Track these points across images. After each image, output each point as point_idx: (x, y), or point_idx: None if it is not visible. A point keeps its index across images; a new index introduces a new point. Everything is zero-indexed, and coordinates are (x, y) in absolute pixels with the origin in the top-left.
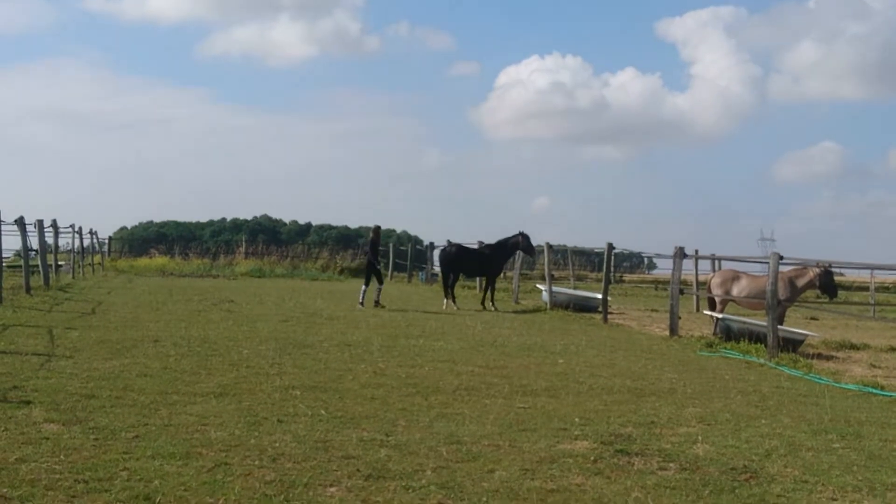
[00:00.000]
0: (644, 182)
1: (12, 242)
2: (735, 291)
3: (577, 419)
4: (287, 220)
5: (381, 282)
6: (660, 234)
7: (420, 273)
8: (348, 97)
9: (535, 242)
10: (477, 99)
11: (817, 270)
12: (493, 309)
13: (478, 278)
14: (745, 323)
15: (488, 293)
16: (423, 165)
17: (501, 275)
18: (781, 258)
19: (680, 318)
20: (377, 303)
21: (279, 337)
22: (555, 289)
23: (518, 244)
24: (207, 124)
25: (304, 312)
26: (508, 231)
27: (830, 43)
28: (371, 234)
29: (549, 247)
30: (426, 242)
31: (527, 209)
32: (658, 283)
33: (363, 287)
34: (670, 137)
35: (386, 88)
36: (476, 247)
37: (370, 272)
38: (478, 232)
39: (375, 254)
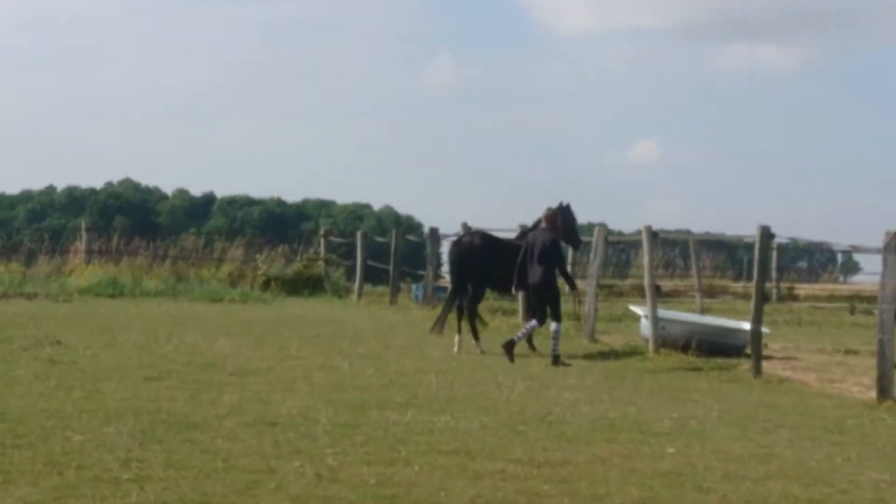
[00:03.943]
0: (833, 110)
1: None
2: None
3: None
4: (168, 189)
5: (555, 317)
6: (861, 209)
7: (414, 286)
8: None
9: (633, 225)
10: None
11: None
12: (529, 348)
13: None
14: None
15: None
16: (425, 86)
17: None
18: None
19: None
20: (512, 348)
21: (142, 410)
22: (663, 313)
23: (563, 225)
24: (14, 13)
25: (193, 363)
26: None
27: None
28: (545, 217)
29: (653, 235)
30: (426, 229)
31: (619, 161)
32: (860, 300)
33: (532, 323)
34: (886, 28)
35: None
36: (515, 236)
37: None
38: (522, 210)
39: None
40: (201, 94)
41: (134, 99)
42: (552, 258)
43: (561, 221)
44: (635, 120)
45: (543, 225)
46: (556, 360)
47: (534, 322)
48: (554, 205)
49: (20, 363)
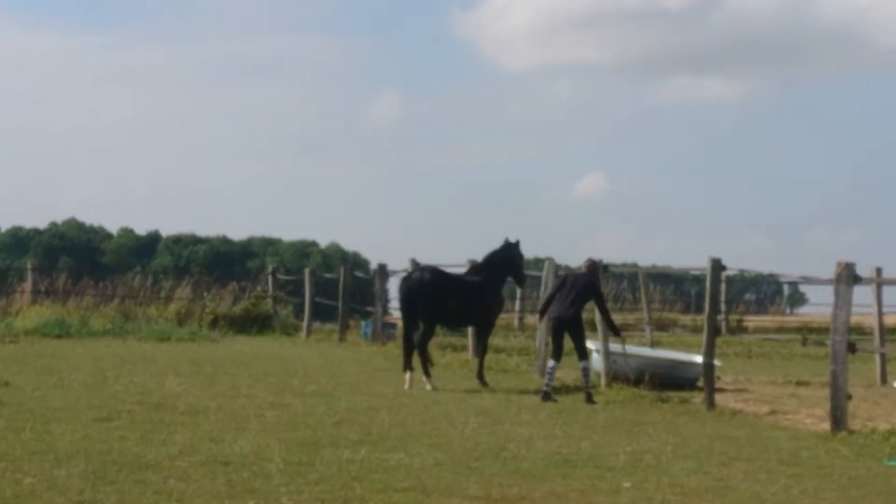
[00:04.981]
0: (779, 142)
1: None
2: None
3: None
4: (112, 228)
5: (583, 355)
6: (810, 240)
7: (363, 322)
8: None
9: (580, 258)
10: None
11: None
12: (480, 384)
13: (469, 329)
14: None
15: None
16: (370, 122)
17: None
18: None
19: (850, 396)
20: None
21: (93, 451)
22: (616, 347)
23: (512, 260)
24: None
25: (143, 403)
26: (525, 243)
27: None
28: (587, 266)
29: (604, 269)
30: (373, 265)
31: (566, 195)
32: (809, 332)
33: (552, 362)
34: (828, 61)
35: None
36: (465, 271)
37: (564, 332)
38: (468, 246)
39: (593, 295)
40: (145, 133)
41: (77, 138)
42: (592, 299)
43: (509, 256)
44: (582, 154)
45: (584, 270)
46: (589, 397)
47: (553, 363)
48: (502, 241)
49: None
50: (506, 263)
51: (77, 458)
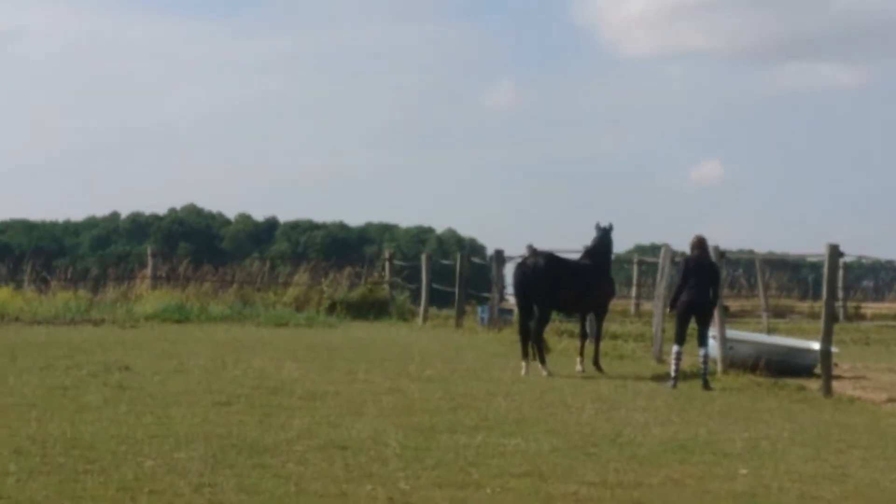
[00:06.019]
0: None
1: None
2: None
3: None
4: (230, 214)
5: (703, 342)
6: None
7: (480, 308)
8: None
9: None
10: None
11: None
12: (596, 370)
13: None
14: None
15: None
16: (485, 108)
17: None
18: None
19: None
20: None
21: (213, 434)
22: (732, 333)
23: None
24: (78, 41)
25: (261, 387)
26: (633, 234)
27: None
28: (697, 243)
29: (721, 255)
30: (489, 252)
31: (682, 182)
32: None
33: (677, 347)
34: None
35: None
36: (580, 257)
37: (692, 317)
38: (584, 231)
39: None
40: (263, 120)
41: (196, 125)
42: (716, 280)
43: (600, 242)
44: (698, 140)
45: (697, 252)
46: (706, 383)
47: (677, 348)
48: (595, 227)
49: (90, 389)
50: (609, 248)
51: (196, 441)
